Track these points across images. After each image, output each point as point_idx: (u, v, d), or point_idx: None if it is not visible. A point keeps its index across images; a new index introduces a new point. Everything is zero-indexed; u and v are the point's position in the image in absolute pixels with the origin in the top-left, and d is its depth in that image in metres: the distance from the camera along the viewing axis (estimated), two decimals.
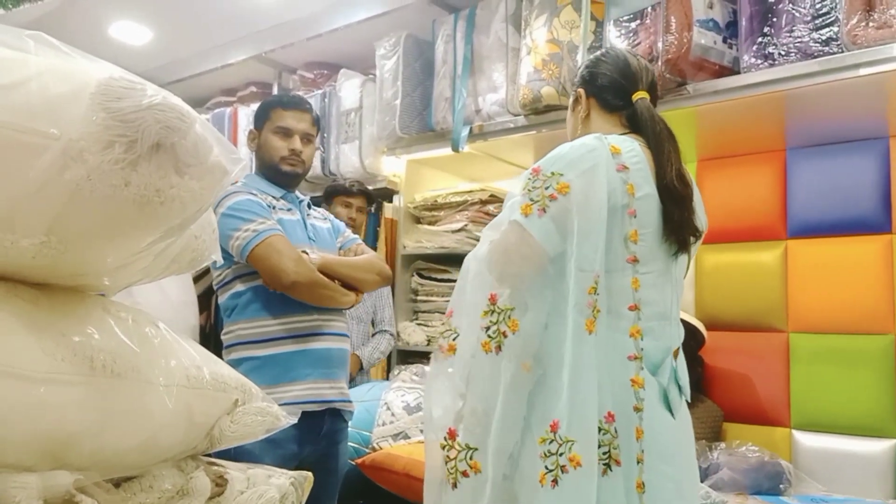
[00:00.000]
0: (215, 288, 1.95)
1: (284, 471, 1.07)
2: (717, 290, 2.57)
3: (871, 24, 1.95)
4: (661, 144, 1.41)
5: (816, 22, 2.04)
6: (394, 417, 2.52)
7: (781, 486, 2.22)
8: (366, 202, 3.07)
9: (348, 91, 3.32)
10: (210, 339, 2.95)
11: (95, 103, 0.69)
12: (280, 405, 1.08)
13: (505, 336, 1.30)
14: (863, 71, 1.95)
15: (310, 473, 1.10)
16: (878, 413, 2.26)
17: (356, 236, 2.11)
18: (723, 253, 2.58)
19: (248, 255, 1.78)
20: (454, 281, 3.01)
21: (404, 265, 3.15)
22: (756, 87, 2.14)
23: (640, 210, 1.35)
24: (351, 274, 1.90)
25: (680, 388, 1.41)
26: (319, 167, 3.32)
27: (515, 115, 2.69)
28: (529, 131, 2.68)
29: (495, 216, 3.07)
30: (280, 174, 1.97)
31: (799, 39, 2.06)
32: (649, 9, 2.27)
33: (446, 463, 1.33)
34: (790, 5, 2.09)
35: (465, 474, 1.31)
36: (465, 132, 2.79)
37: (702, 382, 2.54)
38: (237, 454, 1.41)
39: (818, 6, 2.04)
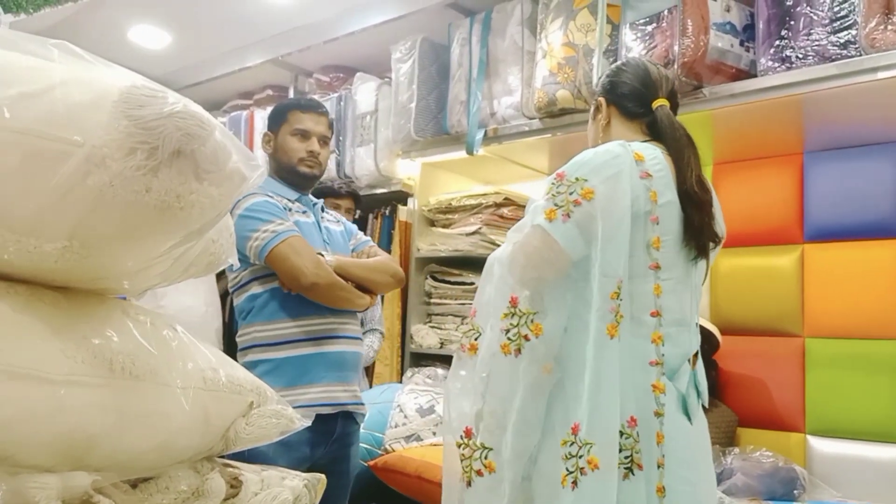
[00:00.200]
0: (231, 290, 1.96)
1: (298, 473, 1.08)
2: (732, 294, 2.56)
3: (889, 27, 1.93)
4: (681, 151, 1.42)
5: (834, 25, 2.02)
6: (406, 420, 2.53)
7: (796, 491, 2.20)
8: (354, 204, 3.08)
9: (364, 94, 3.33)
10: (225, 340, 2.97)
11: (118, 111, 0.70)
12: (295, 408, 1.09)
13: (527, 339, 1.32)
14: (881, 74, 1.94)
15: (323, 475, 1.11)
16: (895, 419, 2.24)
17: (368, 238, 2.12)
18: (739, 257, 2.56)
19: (267, 255, 1.78)
20: (468, 284, 3.05)
21: (418, 268, 3.15)
22: (773, 91, 2.13)
23: (662, 217, 1.37)
24: (366, 276, 1.91)
25: (699, 393, 1.42)
26: (335, 170, 3.34)
27: (530, 119, 2.69)
28: (544, 135, 2.67)
29: (510, 219, 3.10)
30: (298, 176, 1.98)
31: (816, 42, 2.05)
32: (665, 12, 2.27)
33: (462, 461, 1.34)
34: (808, 8, 2.08)
35: (479, 473, 1.33)
36: (479, 135, 2.80)
37: (716, 387, 2.53)
38: (251, 456, 1.42)
39: (836, 9, 2.02)
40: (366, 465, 2.35)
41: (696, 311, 1.46)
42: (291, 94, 3.80)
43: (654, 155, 1.41)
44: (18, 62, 0.73)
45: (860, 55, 1.97)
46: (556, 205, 1.34)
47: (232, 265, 1.68)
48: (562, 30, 2.52)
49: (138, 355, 0.83)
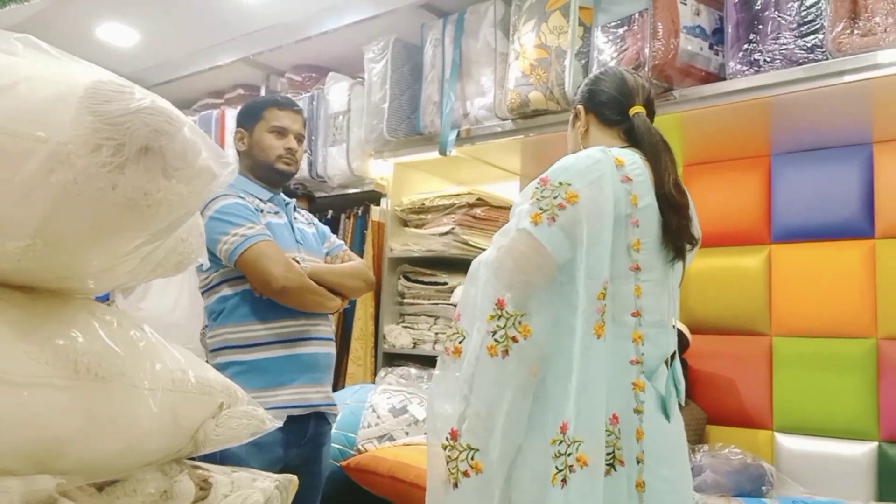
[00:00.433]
0: (201, 291, 1.94)
1: (269, 474, 1.07)
2: (701, 293, 2.59)
3: (855, 31, 1.97)
4: (658, 156, 1.46)
5: (802, 29, 2.06)
6: (379, 420, 2.52)
7: (764, 488, 2.24)
8: (308, 204, 3.07)
9: (336, 94, 3.32)
10: None
11: (83, 107, 0.69)
12: (268, 409, 1.08)
13: (515, 341, 1.33)
14: (847, 78, 1.97)
15: (294, 477, 1.10)
16: (860, 416, 2.29)
17: (342, 242, 2.12)
18: (707, 257, 2.60)
19: (237, 259, 1.77)
20: (441, 284, 3.05)
21: (391, 268, 3.15)
22: (742, 94, 2.17)
23: (642, 220, 1.40)
24: (340, 281, 1.91)
25: (678, 391, 1.46)
26: (307, 170, 3.32)
27: (503, 120, 2.69)
28: (517, 135, 2.69)
29: (483, 220, 3.10)
30: (276, 173, 1.97)
31: (784, 46, 2.08)
32: (637, 15, 2.29)
33: (448, 463, 1.35)
34: (776, 13, 2.11)
35: (466, 474, 1.33)
36: (452, 136, 2.80)
37: (686, 385, 2.56)
38: (223, 458, 1.40)
39: (804, 14, 2.06)
40: (338, 465, 2.34)
41: (673, 313, 1.49)
42: (263, 94, 3.77)
43: (634, 160, 1.45)
44: None
45: (827, 59, 2.00)
46: (541, 209, 1.36)
47: (202, 266, 1.67)
48: (534, 31, 2.53)
49: (104, 356, 0.82)
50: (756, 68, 2.14)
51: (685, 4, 2.22)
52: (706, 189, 2.62)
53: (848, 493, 2.22)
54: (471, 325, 1.41)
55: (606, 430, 1.31)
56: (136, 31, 3.52)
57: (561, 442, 1.29)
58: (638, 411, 1.34)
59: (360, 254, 3.21)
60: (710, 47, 2.27)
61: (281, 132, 1.96)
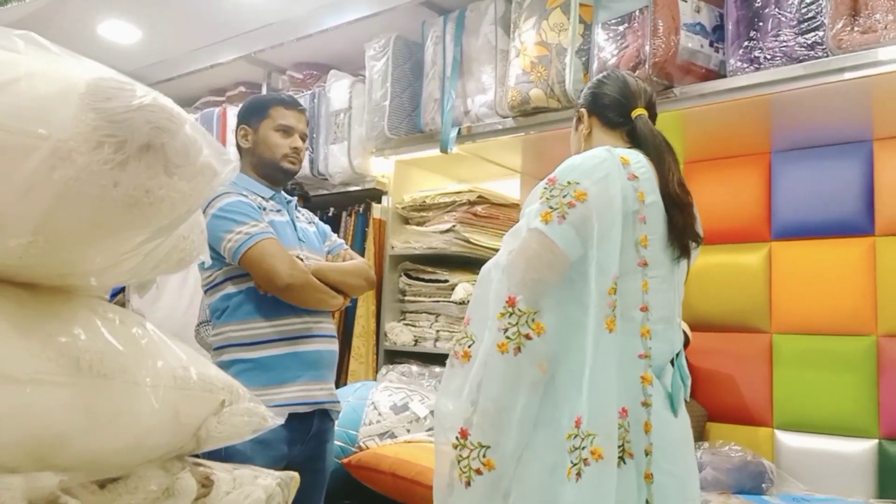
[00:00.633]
0: (204, 289, 1.94)
1: (271, 471, 1.07)
2: (701, 291, 2.59)
3: (856, 28, 1.97)
4: (662, 157, 1.49)
5: (802, 26, 2.06)
6: (380, 417, 2.52)
7: (764, 485, 2.24)
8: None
9: (337, 92, 3.32)
10: None
11: (85, 104, 0.69)
12: (272, 407, 1.08)
13: (528, 338, 1.34)
14: (847, 75, 1.98)
15: (296, 474, 1.10)
16: (860, 413, 2.29)
17: (342, 241, 2.14)
18: (708, 254, 2.59)
19: (241, 257, 1.78)
20: (442, 281, 3.05)
21: (392, 265, 3.15)
22: (742, 91, 2.17)
23: (648, 216, 1.43)
24: (342, 280, 1.92)
25: (684, 385, 1.47)
26: (308, 168, 3.32)
27: (504, 117, 2.69)
28: (517, 133, 2.69)
29: (484, 217, 3.10)
30: (280, 172, 1.98)
31: (784, 43, 2.08)
32: (637, 12, 2.29)
33: (459, 462, 1.35)
34: (776, 10, 2.11)
35: (478, 472, 1.34)
36: (453, 133, 2.80)
37: None
38: (228, 455, 1.41)
39: (804, 11, 2.06)
40: (340, 462, 2.34)
41: (679, 310, 1.52)
42: (265, 91, 3.77)
43: (638, 159, 1.47)
44: None
45: (827, 56, 2.00)
46: (551, 207, 1.38)
47: (203, 263, 1.67)
48: (535, 29, 2.53)
49: (106, 353, 0.82)
50: (756, 65, 2.14)
51: (685, 2, 2.22)
52: (706, 186, 2.62)
53: (848, 491, 2.23)
54: (481, 329, 1.42)
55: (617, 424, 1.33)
56: (138, 29, 3.52)
57: (576, 436, 1.31)
58: (646, 404, 1.37)
59: (362, 251, 3.22)
60: (711, 44, 2.27)
61: (287, 131, 1.96)
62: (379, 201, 3.27)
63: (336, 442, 2.37)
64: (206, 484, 0.96)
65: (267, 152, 1.96)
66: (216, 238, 1.77)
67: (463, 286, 2.89)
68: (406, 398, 2.59)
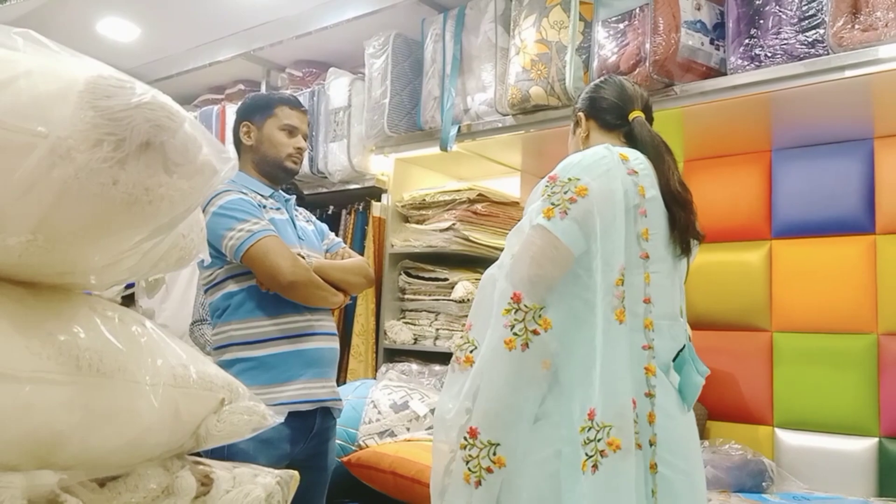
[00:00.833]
0: (204, 288, 1.94)
1: (271, 469, 1.07)
2: (701, 289, 2.59)
3: (856, 26, 1.97)
4: (661, 155, 1.51)
5: (803, 24, 2.06)
6: (380, 415, 2.52)
7: (764, 483, 2.24)
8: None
9: (337, 90, 3.31)
10: None
11: (84, 101, 0.69)
12: (274, 405, 1.08)
13: (536, 334, 1.35)
14: (848, 73, 1.97)
15: (296, 472, 1.10)
16: (860, 412, 2.29)
17: (340, 240, 2.15)
18: (708, 253, 2.60)
19: (244, 255, 1.77)
20: (442, 279, 3.05)
21: (392, 264, 3.15)
22: (742, 89, 2.16)
23: (649, 210, 1.44)
24: (342, 277, 1.92)
25: (698, 371, 1.49)
26: (308, 166, 3.32)
27: (504, 115, 2.69)
28: (517, 131, 2.69)
29: (483, 215, 3.10)
30: (283, 171, 1.99)
31: (785, 41, 2.08)
32: (637, 10, 2.29)
33: (467, 462, 1.34)
34: (777, 7, 2.11)
35: (489, 470, 1.34)
36: (453, 131, 2.80)
37: None
38: (231, 454, 1.41)
39: (804, 8, 2.05)
40: (340, 460, 2.34)
41: (682, 307, 1.53)
42: (264, 89, 3.77)
43: (637, 156, 1.50)
44: None
45: (828, 54, 2.00)
46: (552, 204, 1.39)
47: (203, 262, 1.67)
48: (535, 26, 2.53)
49: (106, 352, 0.82)
50: (757, 63, 2.13)
51: None
52: (707, 184, 2.62)
53: (848, 489, 2.23)
54: (483, 335, 1.42)
55: None
56: (137, 27, 3.51)
57: (590, 428, 1.31)
58: (649, 395, 1.37)
59: (361, 249, 3.21)
60: (711, 42, 2.26)
61: (291, 131, 1.98)
62: (378, 199, 3.27)
63: (336, 440, 2.37)
64: (206, 482, 0.96)
65: (271, 150, 1.96)
66: (217, 236, 1.77)
67: (463, 284, 2.89)
68: (406, 396, 2.59)
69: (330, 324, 1.95)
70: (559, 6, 2.49)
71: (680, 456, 1.38)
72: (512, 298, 1.36)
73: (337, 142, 3.27)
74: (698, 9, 2.25)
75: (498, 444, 1.34)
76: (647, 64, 2.22)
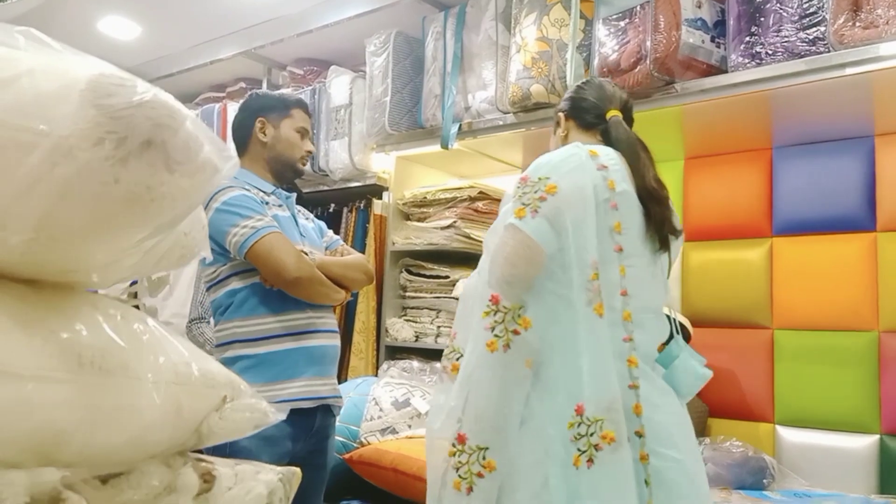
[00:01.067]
0: (207, 285, 1.94)
1: (273, 467, 1.07)
2: (702, 286, 2.59)
3: (857, 23, 1.97)
4: (636, 153, 1.53)
5: (804, 21, 2.05)
6: (382, 412, 2.53)
7: (765, 480, 2.24)
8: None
9: (338, 88, 3.31)
10: None
11: (85, 100, 0.69)
12: (277, 403, 1.08)
13: (517, 334, 1.35)
14: (849, 70, 1.97)
15: (297, 469, 1.10)
16: (861, 409, 2.29)
17: (339, 237, 2.15)
18: (709, 250, 2.60)
19: (248, 251, 1.78)
20: (443, 277, 3.05)
21: (393, 261, 3.15)
22: (743, 86, 2.17)
23: (620, 203, 1.46)
24: (343, 273, 1.93)
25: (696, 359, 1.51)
26: (309, 164, 3.32)
27: (504, 113, 2.69)
28: (518, 129, 2.69)
29: (484, 213, 3.10)
30: (293, 171, 2.03)
31: (786, 39, 2.08)
32: (638, 8, 2.29)
33: (457, 469, 1.34)
34: (777, 5, 2.10)
35: (479, 475, 1.33)
36: (454, 129, 2.80)
37: None
38: (233, 452, 1.41)
39: (805, 6, 2.05)
40: (341, 458, 2.34)
41: (664, 302, 1.54)
42: (265, 87, 3.77)
43: (607, 152, 1.52)
44: None
45: (828, 51, 2.00)
46: (523, 204, 1.41)
47: (205, 260, 1.68)
48: (535, 24, 2.53)
49: (108, 349, 0.82)
50: (758, 61, 2.13)
51: None
52: (707, 182, 2.62)
53: (849, 486, 2.23)
54: (466, 341, 1.43)
55: None
56: (138, 25, 3.52)
57: (580, 424, 1.32)
58: (634, 387, 1.38)
59: (363, 247, 3.22)
60: (712, 40, 2.26)
61: (304, 134, 2.03)
62: (380, 197, 3.27)
63: (337, 437, 2.37)
64: (208, 479, 0.97)
65: (287, 150, 2.00)
66: (221, 232, 1.77)
67: (464, 282, 2.89)
68: (407, 394, 2.59)
69: (332, 321, 1.96)
70: (560, 4, 2.49)
71: (670, 445, 1.38)
72: (490, 301, 1.37)
73: (338, 140, 3.27)
74: (699, 6, 2.24)
75: (487, 449, 1.33)
76: (648, 62, 2.22)
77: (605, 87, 1.67)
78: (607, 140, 1.60)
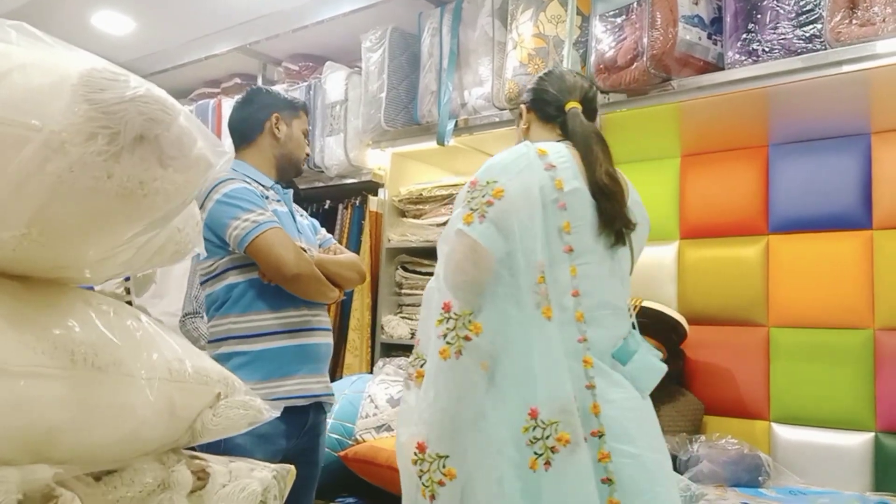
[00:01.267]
0: (203, 279, 1.93)
1: (266, 464, 1.07)
2: (698, 284, 2.59)
3: (854, 21, 1.97)
4: (589, 147, 1.52)
5: (800, 19, 2.05)
6: (377, 410, 2.52)
7: (760, 478, 2.24)
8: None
9: (333, 84, 3.30)
10: None
11: (78, 95, 0.68)
12: (270, 400, 1.08)
13: (468, 339, 1.35)
14: (845, 68, 1.97)
15: (292, 466, 1.10)
16: (857, 406, 2.29)
17: (331, 236, 2.15)
18: (705, 248, 2.60)
19: (248, 245, 1.76)
20: None
21: (389, 258, 3.15)
22: (740, 84, 2.16)
23: (569, 203, 1.45)
24: (338, 272, 1.92)
25: (656, 360, 1.48)
26: None
27: (501, 109, 2.69)
28: (514, 125, 2.68)
29: None
30: (296, 170, 2.07)
31: (783, 36, 2.08)
32: (635, 4, 2.28)
33: (420, 477, 1.34)
34: (774, 2, 2.10)
35: (441, 483, 1.33)
36: (450, 126, 2.79)
37: (683, 376, 2.57)
38: (228, 450, 1.40)
39: (802, 3, 2.05)
40: (337, 455, 2.34)
41: (624, 297, 1.52)
42: (260, 83, 3.75)
43: (558, 149, 1.51)
44: None
45: (825, 49, 2.00)
46: (471, 209, 1.42)
47: (199, 255, 1.67)
48: (532, 21, 2.52)
49: (101, 346, 0.82)
50: (754, 58, 2.13)
51: None
52: (704, 179, 2.62)
53: (844, 484, 2.23)
54: (427, 348, 1.43)
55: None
56: (132, 20, 3.50)
57: (535, 427, 1.32)
58: (590, 387, 1.38)
59: (358, 244, 3.21)
60: (709, 37, 2.26)
61: (306, 136, 2.09)
62: (375, 194, 3.27)
63: (333, 435, 2.37)
64: (202, 476, 0.96)
65: (297, 150, 2.04)
66: (221, 224, 1.76)
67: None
68: (402, 391, 2.59)
69: (326, 319, 1.96)
70: (556, 1, 2.48)
71: (626, 440, 1.37)
72: (443, 308, 1.38)
73: (333, 136, 3.26)
74: (696, 3, 2.24)
75: (447, 457, 1.33)
76: (645, 58, 2.22)
77: (566, 77, 1.65)
78: (566, 133, 1.59)
